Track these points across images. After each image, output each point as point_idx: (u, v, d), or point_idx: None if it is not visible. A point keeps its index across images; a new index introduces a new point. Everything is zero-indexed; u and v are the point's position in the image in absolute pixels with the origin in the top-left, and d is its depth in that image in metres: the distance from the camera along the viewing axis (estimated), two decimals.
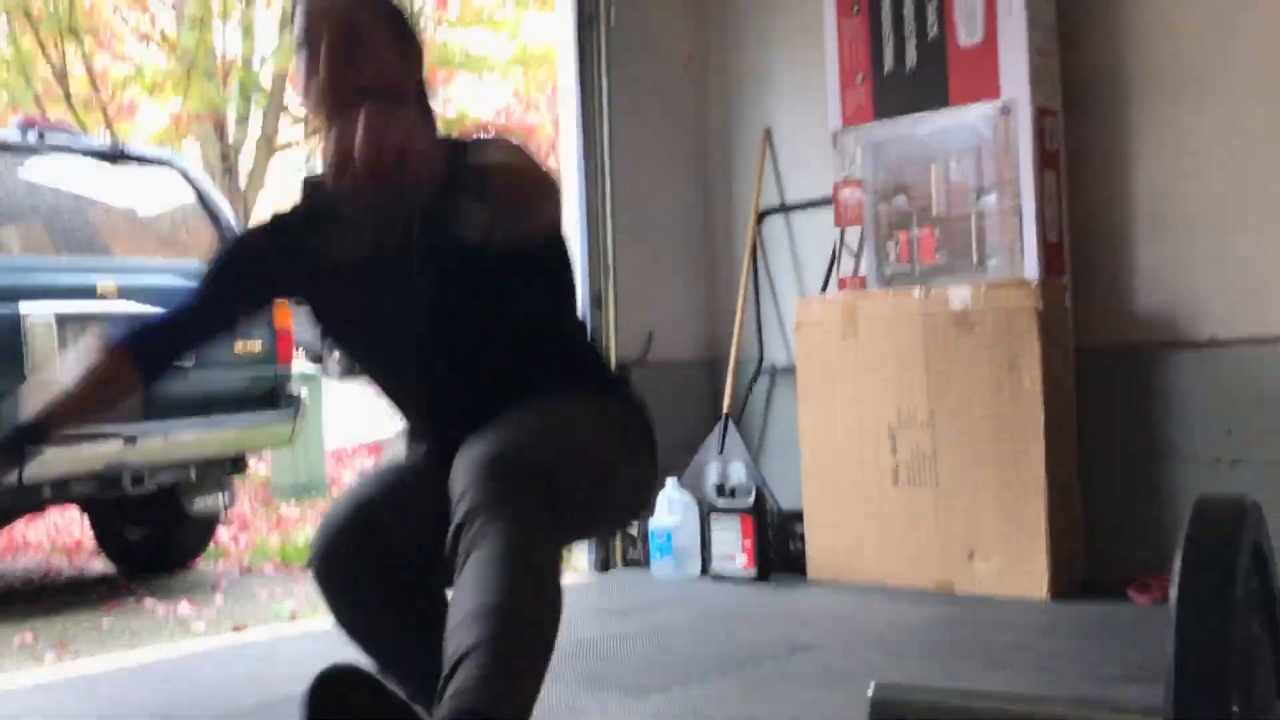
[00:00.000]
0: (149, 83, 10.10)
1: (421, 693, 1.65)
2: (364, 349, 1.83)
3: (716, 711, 2.13)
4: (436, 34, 11.00)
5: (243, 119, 10.23)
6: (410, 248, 1.68)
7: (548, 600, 1.42)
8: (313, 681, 1.64)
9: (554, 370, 1.72)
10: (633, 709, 2.27)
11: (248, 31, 10.06)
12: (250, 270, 1.83)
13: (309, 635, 3.16)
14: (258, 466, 8.85)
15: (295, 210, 1.82)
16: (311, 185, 1.80)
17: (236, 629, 3.69)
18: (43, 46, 9.34)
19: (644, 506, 1.97)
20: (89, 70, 9.60)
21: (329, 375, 13.10)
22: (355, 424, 10.96)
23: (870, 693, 1.25)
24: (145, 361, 1.78)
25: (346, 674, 1.69)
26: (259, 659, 2.95)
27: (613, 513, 1.83)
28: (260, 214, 6.82)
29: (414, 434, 1.87)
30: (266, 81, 10.52)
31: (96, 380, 1.73)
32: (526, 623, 1.37)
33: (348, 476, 9.02)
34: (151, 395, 1.94)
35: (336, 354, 16.02)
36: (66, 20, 8.99)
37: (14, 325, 4.10)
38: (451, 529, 1.44)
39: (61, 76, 9.38)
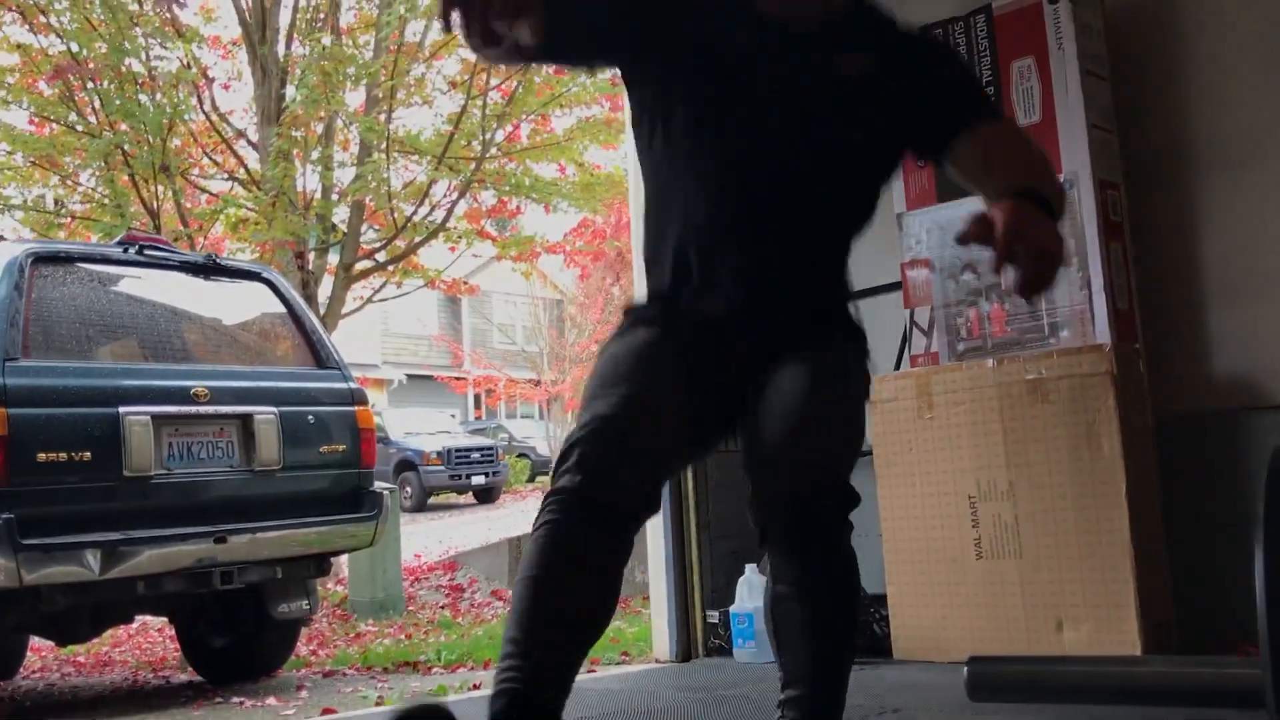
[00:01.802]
0: (232, 219, 10.56)
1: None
2: (714, 130, 1.76)
3: None
4: (506, 164, 11.41)
5: (321, 249, 10.62)
6: (815, 60, 1.76)
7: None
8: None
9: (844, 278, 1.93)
10: None
11: (326, 166, 10.51)
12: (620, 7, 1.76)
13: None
14: (335, 587, 8.94)
15: None
16: None
17: (325, 712, 3.72)
18: (136, 186, 9.84)
19: None
20: (178, 206, 10.08)
21: (403, 509, 13.29)
22: (430, 546, 11.06)
23: (966, 665, 1.26)
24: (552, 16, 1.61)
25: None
26: None
27: None
28: (339, 338, 7.04)
29: (661, 237, 1.80)
30: (344, 214, 10.96)
31: None
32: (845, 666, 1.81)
33: (424, 594, 9.06)
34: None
35: (411, 488, 16.27)
36: (159, 159, 9.49)
37: (114, 426, 4.28)
38: (784, 521, 1.70)
39: (154, 213, 9.85)
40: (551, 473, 1.64)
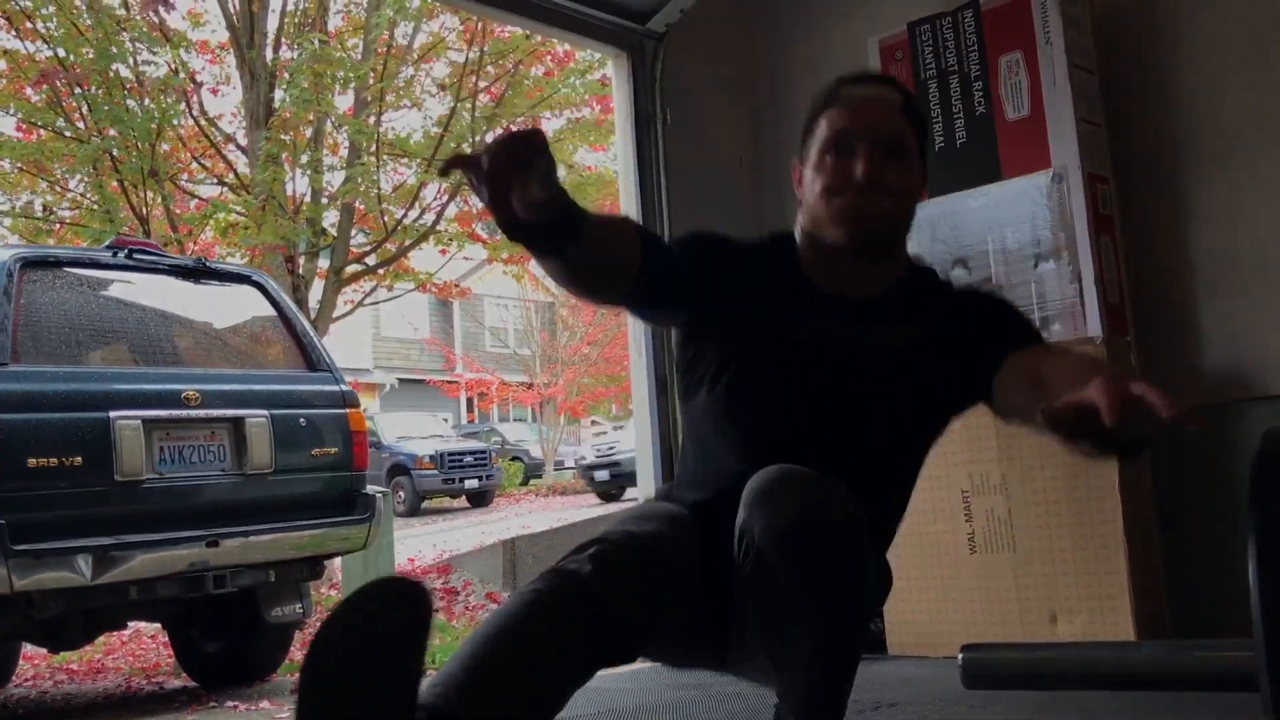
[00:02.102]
0: (222, 223, 10.54)
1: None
2: (748, 388, 1.77)
3: None
4: None
5: (312, 253, 10.61)
6: (867, 329, 1.77)
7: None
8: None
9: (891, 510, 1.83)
10: None
11: (315, 169, 10.50)
12: (705, 265, 1.79)
13: None
14: (329, 591, 8.92)
15: (757, 246, 1.86)
16: (783, 240, 1.88)
17: None
18: (125, 191, 9.82)
19: None
20: (168, 211, 10.06)
21: (397, 513, 13.28)
22: (424, 549, 11.04)
23: (960, 654, 1.26)
24: (646, 254, 1.69)
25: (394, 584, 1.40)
26: None
27: None
28: (330, 342, 7.00)
29: (696, 480, 1.82)
30: (333, 217, 10.95)
31: (611, 230, 1.68)
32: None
33: None
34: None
35: (405, 492, 16.22)
36: (148, 164, 9.47)
37: (104, 430, 4.27)
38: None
39: (143, 218, 9.84)
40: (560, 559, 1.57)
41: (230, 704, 4.45)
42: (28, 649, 6.26)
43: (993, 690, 2.38)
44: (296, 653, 5.94)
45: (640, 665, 3.95)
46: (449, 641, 6.56)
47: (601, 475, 15.28)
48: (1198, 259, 3.53)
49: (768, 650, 1.61)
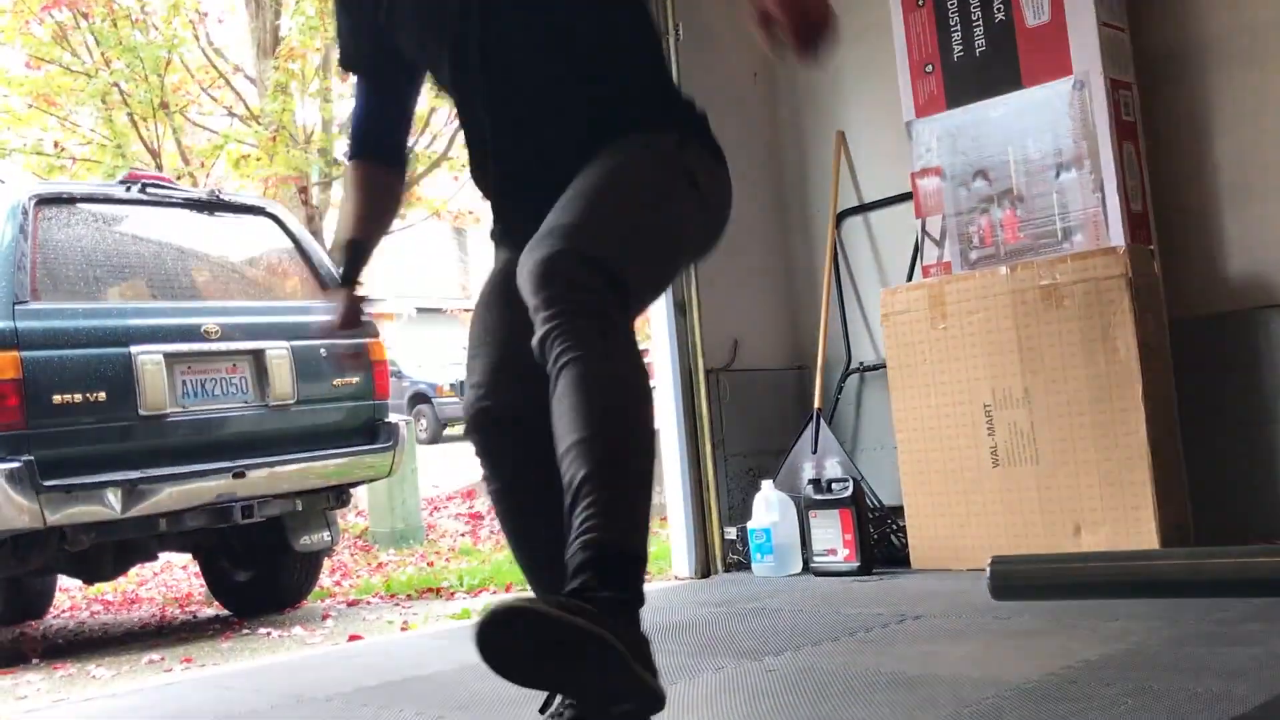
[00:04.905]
0: (234, 155, 10.49)
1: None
2: (460, 105, 1.88)
3: (828, 666, 2.14)
4: None
5: (325, 184, 10.55)
6: None
7: (636, 410, 1.49)
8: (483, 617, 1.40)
9: (615, 99, 1.75)
10: (745, 668, 2.29)
11: (325, 98, 10.41)
12: (377, 39, 1.91)
13: (423, 637, 3.23)
14: (356, 519, 9.03)
15: None
16: None
17: (352, 639, 3.78)
18: (135, 125, 9.77)
19: (713, 248, 1.86)
20: (179, 144, 10.01)
21: (419, 441, 13.37)
22: (447, 476, 11.14)
23: (989, 566, 1.26)
24: (393, 159, 1.97)
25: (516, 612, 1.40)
26: (378, 655, 3.03)
27: (684, 266, 1.90)
28: None
29: (496, 225, 1.91)
30: (345, 147, 10.88)
31: (371, 195, 1.96)
32: (624, 445, 1.45)
33: (444, 522, 9.15)
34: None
35: (426, 420, 16.35)
36: (157, 96, 9.41)
37: (126, 365, 4.29)
38: (535, 342, 1.48)
39: (155, 152, 9.80)
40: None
41: (263, 630, 4.52)
42: (63, 582, 6.37)
43: (1020, 600, 2.40)
44: (325, 580, 6.03)
45: (665, 584, 4.00)
46: (475, 565, 6.64)
47: None
48: (1222, 164, 3.47)
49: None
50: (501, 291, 1.78)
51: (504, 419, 1.73)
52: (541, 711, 1.76)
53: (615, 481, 1.40)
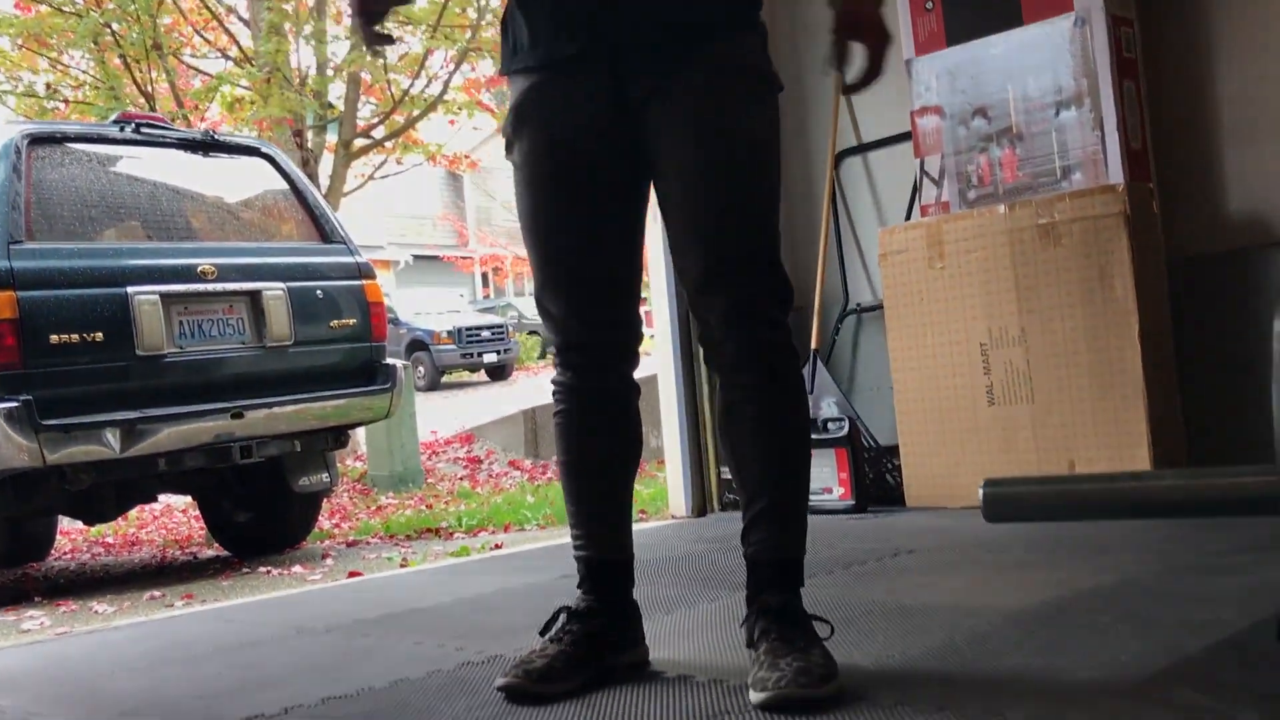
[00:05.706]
0: (228, 98, 10.39)
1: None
2: None
3: (823, 597, 2.16)
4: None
5: (320, 127, 10.46)
6: None
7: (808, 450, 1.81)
8: None
9: None
10: (740, 599, 2.31)
11: (320, 40, 10.28)
12: None
13: (422, 573, 3.26)
14: (354, 463, 9.07)
15: None
16: None
17: (352, 575, 3.81)
18: (129, 67, 9.66)
19: None
20: (172, 86, 9.91)
21: (417, 388, 13.40)
22: (445, 421, 11.17)
23: (982, 488, 1.27)
24: None
25: None
26: (378, 589, 3.06)
27: None
28: (342, 219, 6.96)
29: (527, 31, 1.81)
30: (340, 89, 10.77)
31: None
32: (801, 468, 1.78)
33: (442, 467, 9.19)
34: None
35: (424, 367, 16.36)
36: (150, 37, 9.30)
37: (123, 306, 4.29)
38: (726, 348, 1.73)
39: (148, 95, 9.70)
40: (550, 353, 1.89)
41: (263, 569, 4.56)
42: (64, 524, 6.41)
43: (1013, 524, 2.43)
44: (325, 522, 6.07)
45: (663, 523, 4.03)
46: (474, 507, 6.68)
47: None
48: (1222, 102, 3.45)
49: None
50: (565, 179, 1.78)
51: (607, 363, 1.84)
52: (542, 634, 1.79)
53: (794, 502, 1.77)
